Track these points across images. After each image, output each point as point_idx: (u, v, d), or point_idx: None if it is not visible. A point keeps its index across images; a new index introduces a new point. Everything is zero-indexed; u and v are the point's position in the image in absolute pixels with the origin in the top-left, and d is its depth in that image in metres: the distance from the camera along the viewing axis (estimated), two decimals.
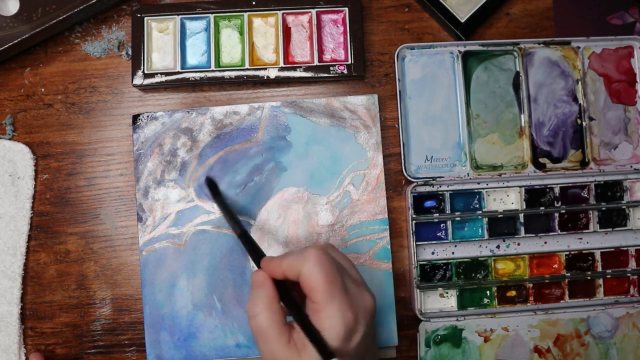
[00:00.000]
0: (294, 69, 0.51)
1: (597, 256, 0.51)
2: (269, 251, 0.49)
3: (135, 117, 0.50)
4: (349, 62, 0.51)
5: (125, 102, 0.52)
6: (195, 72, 0.51)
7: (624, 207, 0.51)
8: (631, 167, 0.52)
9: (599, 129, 0.52)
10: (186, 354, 0.48)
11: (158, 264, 0.49)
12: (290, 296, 0.38)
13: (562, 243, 0.51)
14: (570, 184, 0.51)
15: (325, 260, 0.36)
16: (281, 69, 0.51)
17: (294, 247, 0.49)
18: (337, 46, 0.52)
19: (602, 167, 0.51)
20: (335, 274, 0.36)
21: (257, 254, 0.40)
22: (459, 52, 0.51)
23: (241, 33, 0.52)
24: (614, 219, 0.51)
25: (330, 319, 0.35)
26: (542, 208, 0.51)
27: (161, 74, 0.51)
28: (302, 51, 0.52)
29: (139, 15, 0.51)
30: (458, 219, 0.50)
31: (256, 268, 0.40)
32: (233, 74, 0.51)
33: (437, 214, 0.50)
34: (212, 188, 0.46)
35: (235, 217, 0.44)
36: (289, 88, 0.52)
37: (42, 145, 0.52)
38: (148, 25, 0.51)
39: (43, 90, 0.52)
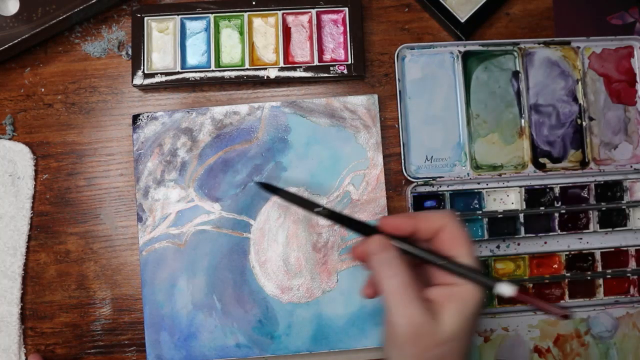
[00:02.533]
0: (294, 69, 0.51)
1: (597, 256, 0.51)
2: (269, 252, 0.49)
3: (135, 117, 0.50)
4: (349, 62, 0.51)
5: (125, 102, 0.52)
6: (195, 72, 0.51)
7: (624, 207, 0.51)
8: (631, 167, 0.52)
9: (599, 129, 0.52)
10: (186, 354, 0.48)
11: (158, 264, 0.49)
12: (421, 246, 0.36)
13: (562, 243, 0.51)
14: (570, 184, 0.51)
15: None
16: (281, 69, 0.51)
17: (294, 248, 0.49)
18: (337, 46, 0.52)
19: (602, 167, 0.51)
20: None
21: (359, 224, 0.38)
22: (459, 52, 0.51)
23: (241, 33, 0.52)
24: (614, 219, 0.51)
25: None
26: (542, 208, 0.51)
27: (161, 74, 0.51)
28: (302, 51, 0.52)
29: (139, 15, 0.51)
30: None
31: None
32: (233, 74, 0.51)
33: None
34: (268, 188, 0.45)
35: (312, 202, 0.41)
36: (289, 88, 0.52)
37: (42, 145, 0.52)
38: (148, 25, 0.51)
39: (43, 90, 0.52)
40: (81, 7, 0.50)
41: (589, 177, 0.52)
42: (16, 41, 0.49)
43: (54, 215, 0.51)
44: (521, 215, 0.50)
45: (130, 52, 0.52)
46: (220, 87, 0.52)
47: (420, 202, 0.50)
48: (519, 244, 0.51)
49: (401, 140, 0.50)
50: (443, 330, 0.33)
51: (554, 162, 0.52)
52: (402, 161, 0.50)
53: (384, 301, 0.35)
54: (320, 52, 0.51)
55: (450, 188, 0.50)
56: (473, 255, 0.35)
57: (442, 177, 0.50)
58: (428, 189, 0.50)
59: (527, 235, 0.50)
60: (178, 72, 0.51)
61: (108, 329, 0.50)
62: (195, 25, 0.52)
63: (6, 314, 0.49)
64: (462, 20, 0.52)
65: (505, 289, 0.34)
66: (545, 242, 0.51)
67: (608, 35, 0.53)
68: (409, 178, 0.50)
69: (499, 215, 0.50)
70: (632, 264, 0.51)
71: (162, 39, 0.52)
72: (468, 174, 0.50)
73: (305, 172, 0.50)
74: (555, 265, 0.51)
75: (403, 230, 0.36)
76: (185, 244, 0.49)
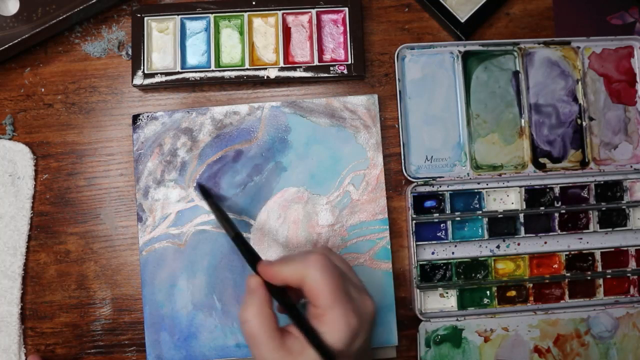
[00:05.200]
0: (294, 69, 0.51)
1: (597, 256, 0.51)
2: (269, 252, 0.49)
3: (135, 117, 0.50)
4: (349, 62, 0.51)
5: (125, 102, 0.52)
6: (195, 72, 0.51)
7: (624, 207, 0.51)
8: (631, 167, 0.52)
9: (599, 129, 0.52)
10: (186, 354, 0.48)
11: (158, 264, 0.49)
12: (288, 300, 0.38)
13: (562, 243, 0.51)
14: (570, 184, 0.51)
15: (328, 266, 0.37)
16: (281, 69, 0.51)
17: (294, 248, 0.49)
18: (337, 46, 0.52)
19: (602, 167, 0.51)
20: (339, 279, 0.37)
21: (252, 257, 0.40)
22: (459, 52, 0.51)
23: (241, 33, 0.52)
24: (614, 219, 0.51)
25: (334, 323, 0.36)
26: (542, 208, 0.51)
27: (161, 74, 0.51)
28: (302, 51, 0.52)
29: (139, 15, 0.51)
30: (458, 219, 0.50)
31: (252, 271, 0.39)
32: (233, 74, 0.51)
33: (437, 214, 0.50)
34: (203, 192, 0.47)
35: (228, 219, 0.43)
36: (289, 88, 0.52)
37: (42, 145, 0.52)
38: (148, 25, 0.51)
39: (43, 90, 0.52)
40: (81, 7, 0.50)
41: (589, 177, 0.52)
42: (16, 41, 0.49)
43: (54, 215, 0.51)
44: (521, 215, 0.50)
45: (130, 52, 0.52)
46: (220, 87, 0.52)
47: (420, 202, 0.50)
48: (519, 244, 0.51)
49: (401, 140, 0.50)
50: None
51: (554, 162, 0.52)
52: (402, 161, 0.50)
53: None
54: (320, 52, 0.51)
55: (450, 188, 0.50)
56: (329, 306, 0.36)
57: (442, 177, 0.50)
58: (428, 189, 0.50)
59: (527, 235, 0.50)
60: (178, 72, 0.51)
61: (108, 329, 0.50)
62: (195, 25, 0.52)
63: (6, 314, 0.49)
64: (462, 20, 0.52)
65: None
66: (545, 242, 0.51)
67: (608, 35, 0.53)
68: (409, 178, 0.50)
69: (499, 215, 0.50)
70: (632, 264, 0.51)
71: (162, 39, 0.52)
72: (468, 174, 0.50)
73: (305, 172, 0.50)
74: (555, 265, 0.51)
75: (276, 280, 0.38)
76: (185, 244, 0.49)
